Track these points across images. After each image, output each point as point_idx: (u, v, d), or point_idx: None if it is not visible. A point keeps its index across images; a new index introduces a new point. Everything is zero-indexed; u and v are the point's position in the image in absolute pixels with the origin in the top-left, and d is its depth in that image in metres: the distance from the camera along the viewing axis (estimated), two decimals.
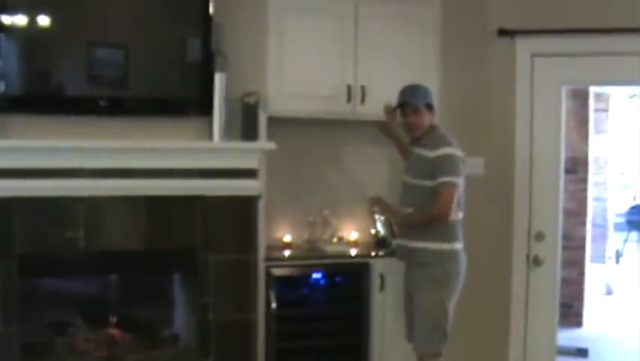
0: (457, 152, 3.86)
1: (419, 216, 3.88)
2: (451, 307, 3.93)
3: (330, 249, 4.55)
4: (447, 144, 3.87)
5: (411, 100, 3.94)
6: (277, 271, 4.29)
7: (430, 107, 3.95)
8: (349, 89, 4.43)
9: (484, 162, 4.78)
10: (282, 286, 4.29)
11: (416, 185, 3.93)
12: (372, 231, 4.76)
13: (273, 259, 4.34)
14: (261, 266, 4.24)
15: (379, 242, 4.68)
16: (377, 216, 4.65)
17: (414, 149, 4.01)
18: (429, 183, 3.86)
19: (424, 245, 3.92)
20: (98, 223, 3.97)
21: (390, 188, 4.58)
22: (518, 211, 4.75)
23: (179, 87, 4.14)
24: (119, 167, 3.93)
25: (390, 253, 4.33)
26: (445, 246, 3.88)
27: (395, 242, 4.22)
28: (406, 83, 4.11)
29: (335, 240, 4.68)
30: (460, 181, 3.85)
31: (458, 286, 3.94)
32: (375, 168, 4.86)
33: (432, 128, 3.96)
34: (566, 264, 5.62)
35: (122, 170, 3.94)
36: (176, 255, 4.17)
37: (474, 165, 4.58)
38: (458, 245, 3.94)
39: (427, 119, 3.94)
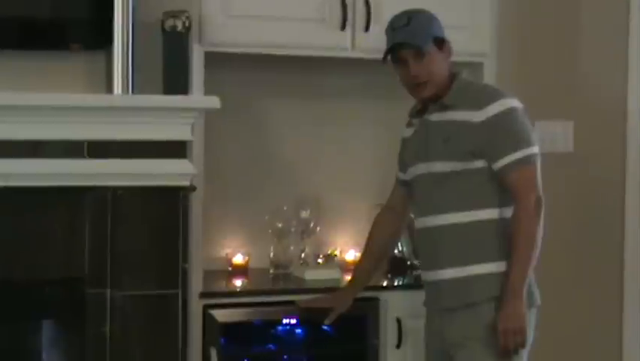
0: (519, 103, 3.63)
1: (522, 236, 3.46)
2: None
3: (312, 276, 4.20)
4: (499, 93, 3.63)
5: (412, 38, 3.64)
6: (222, 315, 3.92)
7: (441, 42, 3.69)
8: (344, 7, 4.08)
9: (574, 130, 4.50)
10: (232, 339, 3.96)
11: (455, 172, 3.57)
12: None
13: (216, 295, 3.99)
14: (196, 307, 3.88)
15: (395, 264, 4.35)
16: None
17: (429, 117, 3.70)
18: (479, 163, 3.50)
19: (471, 270, 3.48)
20: None
21: None
22: (634, 220, 4.49)
23: (56, 1, 3.88)
24: None
25: (414, 284, 4.06)
26: (506, 267, 3.49)
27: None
28: None
29: (320, 261, 4.38)
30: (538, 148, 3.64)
31: (531, 339, 3.52)
32: (386, 136, 4.39)
33: (453, 76, 3.73)
34: None
35: None
36: (51, 289, 3.79)
37: (555, 136, 4.36)
38: None
39: (441, 64, 3.69)
